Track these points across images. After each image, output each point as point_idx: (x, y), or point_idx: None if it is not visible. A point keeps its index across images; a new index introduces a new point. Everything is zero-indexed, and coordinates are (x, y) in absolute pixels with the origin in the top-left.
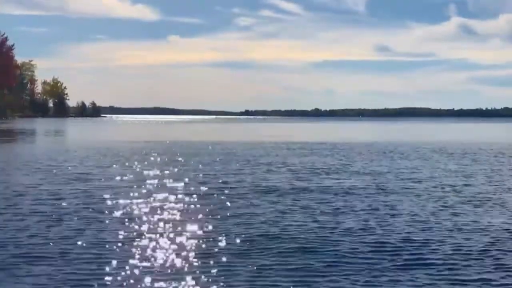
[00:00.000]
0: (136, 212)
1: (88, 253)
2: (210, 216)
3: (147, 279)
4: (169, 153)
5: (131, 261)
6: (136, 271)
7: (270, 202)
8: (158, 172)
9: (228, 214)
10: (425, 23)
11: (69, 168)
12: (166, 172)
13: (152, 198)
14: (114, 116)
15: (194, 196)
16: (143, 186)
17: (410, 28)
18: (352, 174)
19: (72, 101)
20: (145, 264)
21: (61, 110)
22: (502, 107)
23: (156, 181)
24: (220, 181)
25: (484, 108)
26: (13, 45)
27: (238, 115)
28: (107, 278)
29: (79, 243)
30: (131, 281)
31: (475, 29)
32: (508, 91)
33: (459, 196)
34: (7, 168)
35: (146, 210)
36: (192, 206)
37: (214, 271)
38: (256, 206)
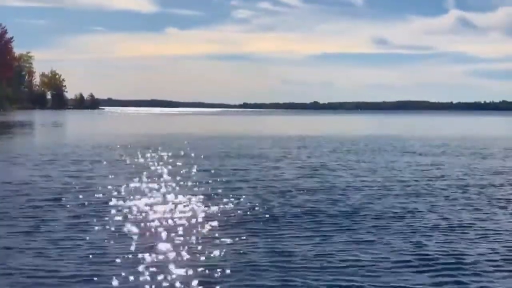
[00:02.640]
0: (134, 210)
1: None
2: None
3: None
4: (170, 147)
5: (128, 262)
6: (133, 275)
7: (277, 204)
8: (158, 169)
9: (228, 215)
10: (424, 16)
11: (69, 164)
12: (167, 168)
13: (150, 196)
14: (112, 108)
15: (198, 193)
16: (142, 184)
17: (408, 21)
18: (370, 172)
19: (70, 93)
20: (142, 266)
21: (59, 102)
22: (501, 101)
23: (156, 178)
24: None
25: (482, 102)
26: (12, 38)
27: (236, 108)
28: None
29: (76, 244)
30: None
31: (474, 22)
32: (507, 85)
33: (486, 197)
34: (3, 163)
35: (144, 208)
36: (195, 204)
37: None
38: (261, 208)
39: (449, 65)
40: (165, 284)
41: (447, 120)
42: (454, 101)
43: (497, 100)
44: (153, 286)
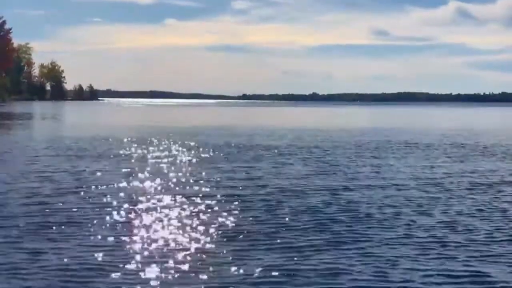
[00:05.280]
0: (131, 212)
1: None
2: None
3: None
4: (170, 141)
5: (129, 261)
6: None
7: (284, 203)
8: (159, 166)
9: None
10: (424, 7)
11: (66, 159)
12: (169, 165)
13: (151, 196)
14: (111, 99)
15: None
16: (142, 182)
17: (408, 12)
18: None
19: (69, 84)
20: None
21: (59, 93)
22: (500, 92)
23: (157, 176)
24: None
25: (482, 93)
26: (10, 29)
27: (235, 99)
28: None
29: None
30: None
31: (473, 13)
32: (506, 76)
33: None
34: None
35: (142, 210)
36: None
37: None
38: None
39: (448, 57)
40: None
41: (448, 112)
42: (454, 93)
43: (496, 91)
44: None
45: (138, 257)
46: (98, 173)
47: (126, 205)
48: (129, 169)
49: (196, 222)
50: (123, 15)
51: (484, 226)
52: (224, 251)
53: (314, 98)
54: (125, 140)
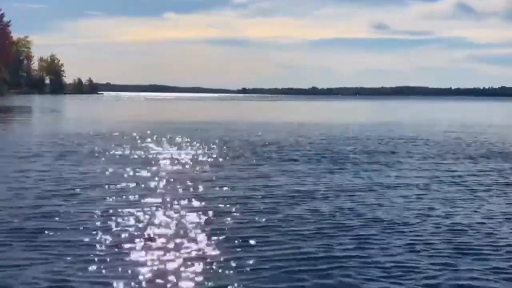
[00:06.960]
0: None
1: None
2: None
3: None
4: (172, 136)
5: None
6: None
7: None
8: (160, 164)
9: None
10: (423, 1)
11: (65, 157)
12: (171, 163)
13: (151, 196)
14: (111, 93)
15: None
16: (142, 182)
17: (408, 6)
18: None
19: (68, 78)
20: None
21: (58, 87)
22: (500, 86)
23: (158, 175)
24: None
25: (481, 87)
26: (9, 21)
27: (235, 93)
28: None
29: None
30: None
31: (474, 7)
32: (506, 70)
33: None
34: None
35: (142, 212)
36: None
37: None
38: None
39: (448, 51)
40: None
41: (449, 106)
42: (453, 87)
43: (496, 85)
44: None
45: (136, 259)
46: (97, 172)
47: (122, 206)
48: (127, 168)
49: (195, 223)
50: (122, 8)
51: (502, 230)
52: (224, 254)
53: (313, 92)
54: (124, 136)
